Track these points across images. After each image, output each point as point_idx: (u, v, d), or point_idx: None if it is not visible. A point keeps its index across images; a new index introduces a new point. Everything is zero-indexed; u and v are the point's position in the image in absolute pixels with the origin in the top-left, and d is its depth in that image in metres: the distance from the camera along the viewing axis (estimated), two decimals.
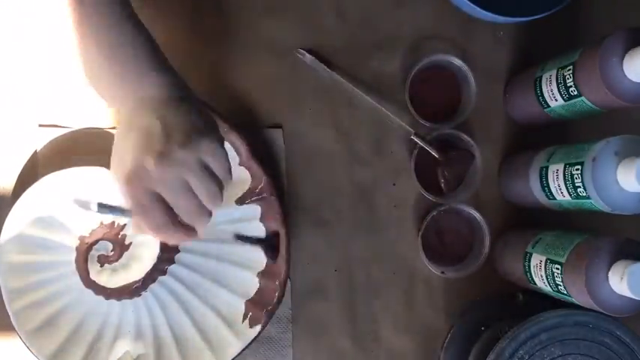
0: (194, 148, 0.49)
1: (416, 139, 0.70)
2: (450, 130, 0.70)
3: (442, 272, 0.70)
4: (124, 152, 0.50)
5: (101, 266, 0.67)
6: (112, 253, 0.67)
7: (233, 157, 0.68)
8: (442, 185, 0.70)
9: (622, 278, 0.54)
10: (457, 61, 0.70)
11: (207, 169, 0.50)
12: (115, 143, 0.52)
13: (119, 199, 0.62)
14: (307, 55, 0.70)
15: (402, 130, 0.72)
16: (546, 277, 0.62)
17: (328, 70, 0.71)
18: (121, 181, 0.50)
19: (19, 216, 0.64)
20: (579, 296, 0.58)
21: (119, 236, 0.67)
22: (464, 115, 0.70)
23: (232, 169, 0.69)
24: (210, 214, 0.52)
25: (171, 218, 0.50)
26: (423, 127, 0.71)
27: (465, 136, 0.70)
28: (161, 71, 0.53)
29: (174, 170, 0.49)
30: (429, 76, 0.72)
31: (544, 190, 0.64)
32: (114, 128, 0.69)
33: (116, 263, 0.67)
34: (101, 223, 0.67)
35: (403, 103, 0.71)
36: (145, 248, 0.67)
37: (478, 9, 0.65)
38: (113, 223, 0.67)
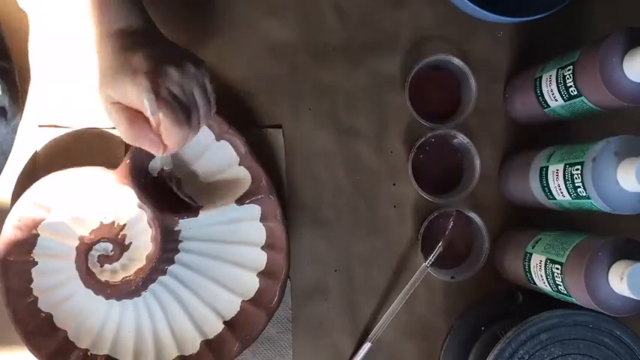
0: (202, 69, 0.55)
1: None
2: (447, 129, 0.70)
3: (452, 277, 0.70)
4: (131, 61, 0.52)
5: (101, 266, 0.67)
6: (112, 253, 0.67)
7: (233, 157, 0.68)
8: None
9: (622, 278, 0.54)
10: (457, 61, 0.70)
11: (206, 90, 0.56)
12: (111, 62, 0.53)
13: (119, 199, 0.62)
14: None
15: (401, 130, 0.72)
16: (546, 277, 0.62)
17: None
18: (135, 76, 0.51)
19: (18, 216, 0.64)
20: (579, 296, 0.58)
21: (119, 236, 0.67)
22: (464, 115, 0.70)
23: (232, 170, 0.69)
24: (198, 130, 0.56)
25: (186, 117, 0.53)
26: (423, 127, 0.71)
27: (462, 135, 0.70)
28: (136, 3, 0.56)
29: (187, 81, 0.54)
30: (429, 76, 0.72)
31: (544, 190, 0.64)
32: (114, 128, 0.69)
33: (116, 263, 0.67)
34: (101, 223, 0.67)
35: (403, 103, 0.71)
36: (145, 248, 0.67)
37: (478, 9, 0.65)
38: (113, 223, 0.67)
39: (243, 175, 0.68)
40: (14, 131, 0.66)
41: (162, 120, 0.52)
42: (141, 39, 0.54)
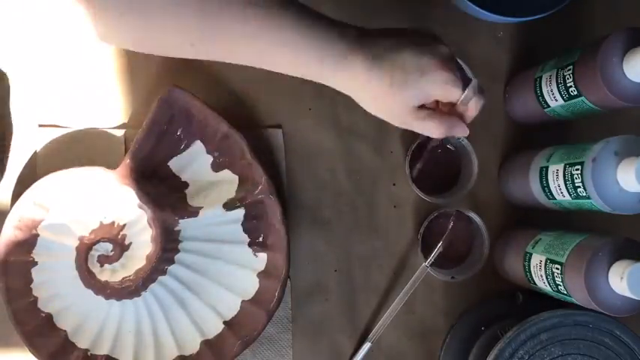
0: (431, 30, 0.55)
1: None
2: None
3: (452, 277, 0.70)
4: (402, 66, 0.51)
5: (101, 266, 0.67)
6: (112, 253, 0.67)
7: (234, 157, 0.68)
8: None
9: (622, 278, 0.54)
10: (457, 61, 0.70)
11: None
12: (380, 87, 0.51)
13: (119, 199, 0.63)
14: None
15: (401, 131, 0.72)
16: (546, 277, 0.62)
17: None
18: (429, 74, 0.51)
19: (18, 216, 0.64)
20: (579, 296, 0.58)
21: (119, 236, 0.67)
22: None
23: (233, 170, 0.69)
24: None
25: None
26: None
27: (468, 146, 0.70)
28: (327, 19, 0.54)
29: (444, 46, 0.53)
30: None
31: (544, 190, 0.64)
32: (114, 128, 0.69)
33: (116, 263, 0.67)
34: (101, 223, 0.67)
35: None
36: (145, 248, 0.67)
37: (479, 9, 0.65)
38: (113, 223, 0.67)
39: (243, 175, 0.68)
40: None
41: (473, 98, 0.52)
42: (371, 44, 0.52)
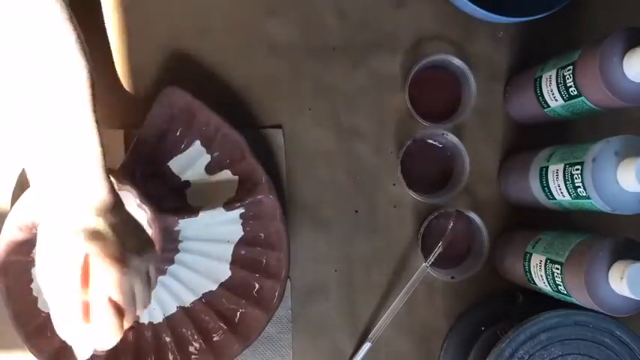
0: (145, 258, 0.53)
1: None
2: (441, 131, 0.70)
3: (452, 277, 0.70)
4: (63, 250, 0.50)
5: None
6: None
7: (234, 157, 0.68)
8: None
9: (622, 278, 0.54)
10: (457, 61, 0.70)
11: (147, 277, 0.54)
12: (49, 240, 0.50)
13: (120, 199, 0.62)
14: None
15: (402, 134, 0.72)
16: (546, 277, 0.62)
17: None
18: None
19: (18, 217, 0.64)
20: (579, 296, 0.58)
21: None
22: (464, 114, 0.71)
23: (233, 170, 0.69)
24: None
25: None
26: (423, 127, 0.71)
27: (451, 135, 0.70)
28: (105, 177, 0.53)
29: (127, 277, 0.50)
30: (429, 76, 0.72)
31: (544, 190, 0.64)
32: (114, 129, 0.69)
33: None
34: None
35: (403, 103, 0.71)
36: None
37: (478, 9, 0.65)
38: None
39: (243, 175, 0.68)
40: None
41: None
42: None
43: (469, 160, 0.70)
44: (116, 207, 0.53)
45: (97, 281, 0.49)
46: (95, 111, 0.52)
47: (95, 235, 0.50)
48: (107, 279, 0.49)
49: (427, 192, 0.71)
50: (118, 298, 0.50)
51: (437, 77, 0.73)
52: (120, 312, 0.50)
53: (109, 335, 0.50)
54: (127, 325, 0.51)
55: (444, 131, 0.70)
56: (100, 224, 0.51)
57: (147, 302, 0.54)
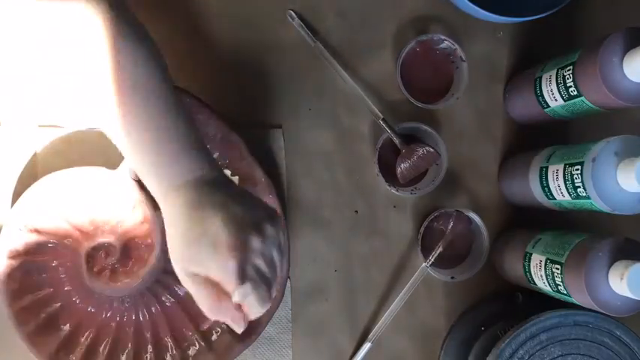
0: (278, 225, 0.53)
1: (382, 124, 0.69)
2: (417, 124, 0.70)
3: (452, 277, 0.70)
4: (208, 231, 0.50)
5: (101, 266, 0.67)
6: (112, 253, 0.67)
7: (234, 157, 0.68)
8: (397, 174, 0.70)
9: (622, 278, 0.54)
10: (448, 41, 0.69)
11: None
12: (184, 231, 0.51)
13: (119, 199, 0.62)
14: (296, 18, 0.70)
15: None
16: (546, 277, 0.62)
17: (314, 39, 0.71)
18: (219, 255, 0.49)
19: (19, 216, 0.64)
20: (579, 296, 0.58)
21: (119, 236, 0.67)
22: (458, 92, 0.70)
23: (233, 170, 0.69)
24: None
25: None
26: (416, 107, 0.70)
27: (431, 130, 0.70)
28: (203, 150, 0.54)
29: (268, 247, 0.51)
30: (420, 56, 0.72)
31: (544, 190, 0.64)
32: None
33: (116, 263, 0.67)
34: (101, 223, 0.67)
35: (403, 102, 0.71)
36: (145, 248, 0.67)
37: (478, 9, 0.65)
38: (113, 223, 0.67)
39: (243, 175, 0.68)
40: None
41: (247, 300, 0.50)
42: (211, 194, 0.51)
43: (447, 155, 0.70)
44: (229, 181, 0.54)
45: (243, 254, 0.49)
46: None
47: (228, 209, 0.50)
48: (253, 248, 0.49)
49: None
50: (263, 267, 0.50)
51: (429, 57, 0.72)
52: (266, 282, 0.50)
53: (259, 305, 0.50)
54: (274, 293, 0.51)
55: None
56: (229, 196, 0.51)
57: (286, 268, 0.54)
